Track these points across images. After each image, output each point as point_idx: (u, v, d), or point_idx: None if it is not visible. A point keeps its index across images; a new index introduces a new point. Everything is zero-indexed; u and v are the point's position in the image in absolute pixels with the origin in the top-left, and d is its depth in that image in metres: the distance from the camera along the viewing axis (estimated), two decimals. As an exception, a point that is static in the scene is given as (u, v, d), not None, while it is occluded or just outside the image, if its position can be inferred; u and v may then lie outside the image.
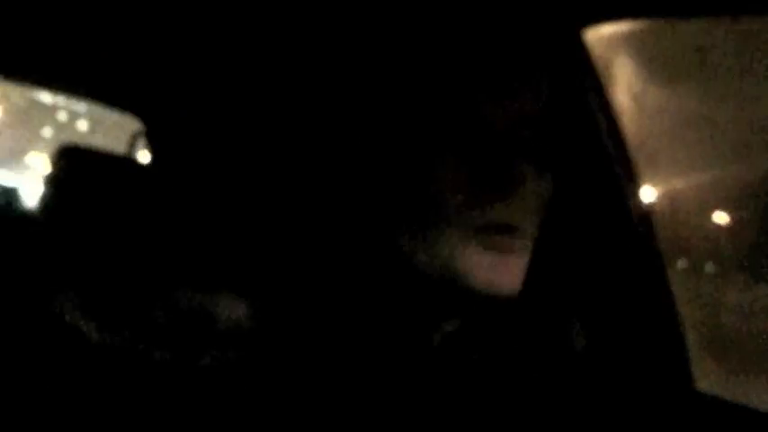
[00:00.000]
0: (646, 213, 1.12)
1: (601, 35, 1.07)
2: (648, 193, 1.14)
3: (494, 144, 0.71)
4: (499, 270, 0.71)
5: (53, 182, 1.48)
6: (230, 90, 1.17)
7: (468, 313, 0.76)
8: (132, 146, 1.79)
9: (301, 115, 0.81)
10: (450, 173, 0.70)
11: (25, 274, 0.85)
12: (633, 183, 1.12)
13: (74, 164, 1.48)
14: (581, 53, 1.05)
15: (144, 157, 1.72)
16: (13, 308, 0.77)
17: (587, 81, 1.08)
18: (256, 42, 1.13)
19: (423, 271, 0.71)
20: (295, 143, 0.81)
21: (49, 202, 1.46)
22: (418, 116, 0.72)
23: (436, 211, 0.71)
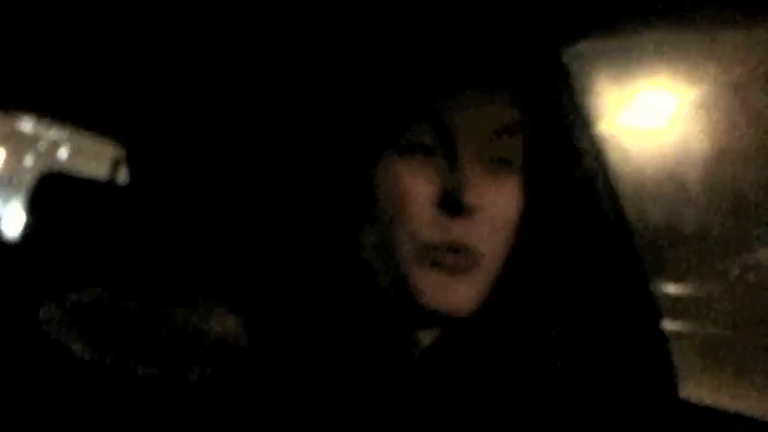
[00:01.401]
0: (625, 222, 1.12)
1: (579, 53, 1.08)
2: (628, 205, 1.14)
3: (463, 163, 0.71)
4: (448, 289, 0.71)
5: (35, 208, 1.47)
6: (208, 114, 1.17)
7: (446, 325, 0.76)
8: (114, 171, 1.78)
9: (278, 131, 0.81)
10: (415, 189, 0.70)
11: (9, 298, 0.84)
12: (613, 196, 1.13)
13: (55, 189, 1.47)
14: (559, 71, 1.06)
15: (125, 181, 1.72)
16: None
17: (565, 99, 1.09)
18: (233, 70, 1.13)
19: (383, 285, 0.72)
20: (271, 158, 0.81)
21: (31, 228, 1.45)
22: (384, 131, 0.72)
23: (398, 226, 0.71)
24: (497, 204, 0.73)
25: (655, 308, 1.13)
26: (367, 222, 0.74)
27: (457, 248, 0.71)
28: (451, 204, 0.70)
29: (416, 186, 0.71)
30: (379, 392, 0.73)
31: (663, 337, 1.13)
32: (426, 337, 0.77)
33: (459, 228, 0.71)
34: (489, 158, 0.73)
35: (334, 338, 0.73)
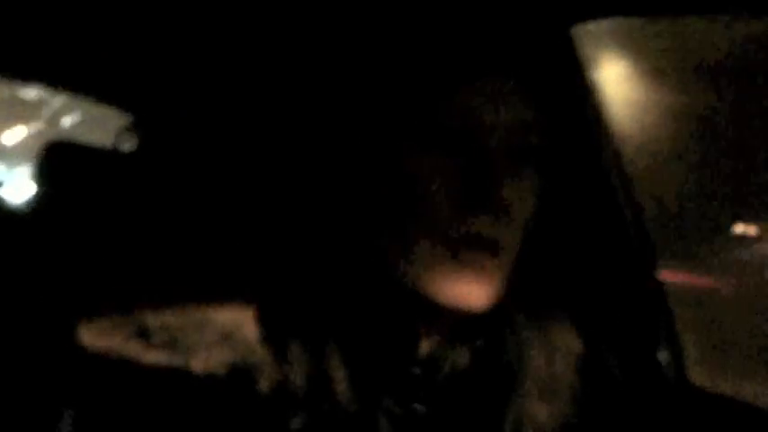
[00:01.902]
0: (639, 214, 1.12)
1: (588, 32, 1.08)
2: (641, 192, 1.14)
3: (484, 157, 0.70)
4: (466, 284, 0.71)
5: (42, 177, 1.47)
6: (219, 84, 1.16)
7: (456, 322, 0.76)
8: (119, 140, 1.78)
9: (291, 118, 0.81)
10: (437, 182, 0.70)
11: (14, 272, 0.85)
12: (626, 183, 1.12)
13: (61, 159, 1.47)
14: (569, 51, 1.06)
15: (131, 150, 1.72)
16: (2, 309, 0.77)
17: (576, 80, 1.08)
18: (243, 39, 1.12)
19: (401, 279, 0.71)
20: (285, 146, 0.80)
21: (36, 198, 1.45)
22: (407, 127, 0.72)
23: (417, 219, 0.70)
24: (518, 199, 0.72)
25: (664, 298, 1.14)
26: (384, 213, 0.73)
27: (478, 242, 0.71)
28: (473, 198, 0.70)
29: (437, 179, 0.71)
30: (385, 389, 0.73)
31: (672, 323, 1.13)
32: (433, 334, 0.76)
33: (481, 221, 0.70)
34: (510, 153, 0.72)
35: (342, 330, 0.73)
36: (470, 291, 0.71)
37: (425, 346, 0.76)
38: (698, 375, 1.18)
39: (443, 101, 0.71)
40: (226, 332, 0.71)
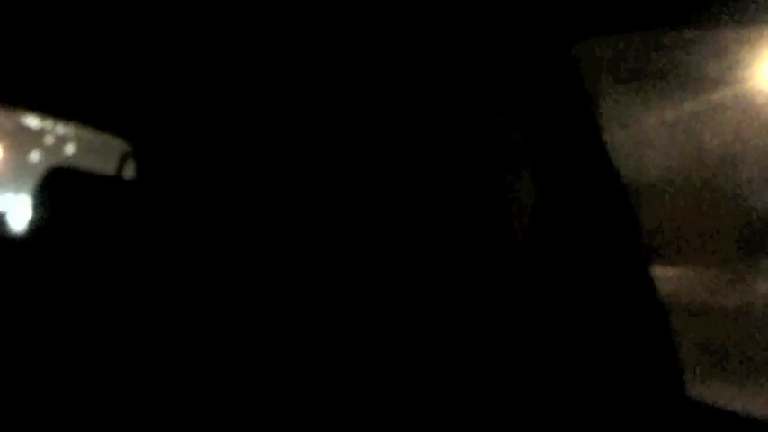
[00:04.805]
0: (634, 217, 1.12)
1: (590, 50, 1.08)
2: (637, 198, 1.14)
3: (497, 148, 0.71)
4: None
5: (42, 204, 1.47)
6: (219, 110, 1.16)
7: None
8: (121, 167, 1.78)
9: (297, 126, 0.81)
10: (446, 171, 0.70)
11: (15, 294, 0.84)
12: (621, 189, 1.12)
13: (62, 186, 1.46)
14: (571, 68, 1.06)
15: (133, 177, 1.71)
16: (7, 328, 0.76)
17: (577, 94, 1.08)
18: (245, 64, 1.12)
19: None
20: (287, 156, 0.80)
21: (38, 224, 1.45)
22: (421, 121, 0.72)
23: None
24: (527, 191, 0.73)
25: (660, 305, 1.13)
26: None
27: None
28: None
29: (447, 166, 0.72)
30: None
31: (670, 334, 1.13)
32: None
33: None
34: (513, 150, 0.73)
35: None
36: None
37: None
38: (695, 386, 1.18)
39: (458, 105, 0.72)
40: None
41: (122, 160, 1.84)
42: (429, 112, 0.74)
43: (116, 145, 1.93)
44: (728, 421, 1.11)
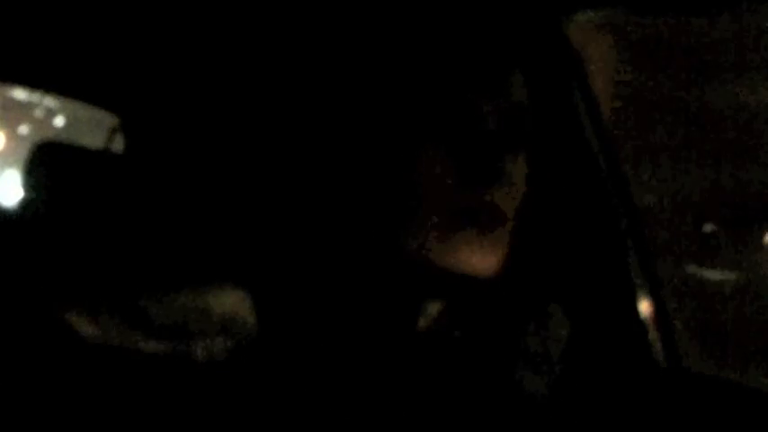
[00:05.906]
0: (629, 199, 1.12)
1: (581, 23, 1.08)
2: (631, 180, 1.14)
3: (482, 136, 0.71)
4: (475, 247, 0.72)
5: (31, 179, 1.46)
6: (212, 82, 1.15)
7: (452, 295, 0.77)
8: (110, 141, 1.77)
9: (287, 107, 0.81)
10: (438, 161, 0.71)
11: (8, 272, 0.84)
12: (615, 168, 1.13)
13: (51, 160, 1.46)
14: (561, 41, 1.06)
15: (122, 150, 1.71)
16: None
17: (568, 69, 1.08)
18: (239, 37, 1.12)
19: (408, 253, 0.72)
20: (280, 134, 0.80)
21: (28, 198, 1.45)
22: (408, 109, 0.73)
23: (424, 196, 0.71)
24: (517, 173, 0.74)
25: (656, 283, 1.14)
26: (391, 193, 0.74)
27: (485, 210, 0.72)
28: (476, 173, 0.72)
29: (441, 159, 0.72)
30: (384, 366, 0.74)
31: (665, 308, 1.14)
32: (432, 307, 0.77)
33: (487, 192, 0.72)
34: (507, 135, 0.74)
35: (340, 313, 0.74)
36: (478, 256, 0.73)
37: (426, 319, 0.77)
38: (690, 359, 1.19)
39: (446, 90, 0.73)
40: (226, 320, 0.72)
41: (111, 133, 1.84)
42: (412, 100, 0.74)
43: (104, 117, 1.93)
44: (722, 391, 1.12)
